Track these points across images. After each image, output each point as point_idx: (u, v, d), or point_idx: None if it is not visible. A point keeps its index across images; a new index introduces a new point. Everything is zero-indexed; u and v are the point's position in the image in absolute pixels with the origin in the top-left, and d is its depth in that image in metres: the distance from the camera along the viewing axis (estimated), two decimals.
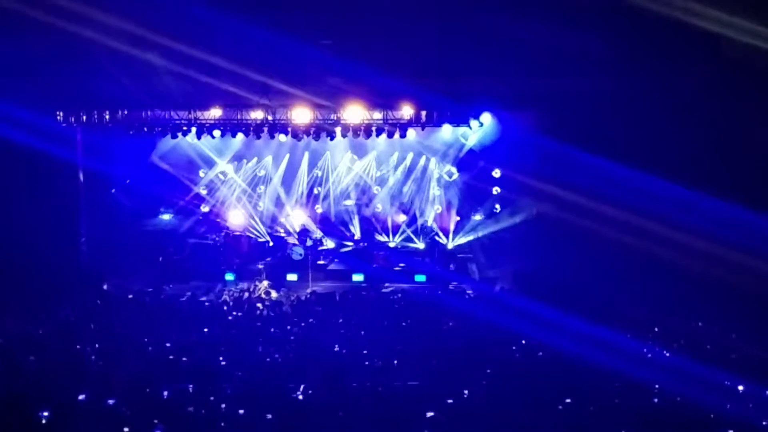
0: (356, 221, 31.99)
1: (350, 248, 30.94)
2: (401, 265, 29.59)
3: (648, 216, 22.35)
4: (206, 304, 23.51)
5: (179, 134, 28.18)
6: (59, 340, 18.76)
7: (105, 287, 25.89)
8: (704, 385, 14.82)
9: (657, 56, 22.63)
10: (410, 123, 27.22)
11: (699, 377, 15.24)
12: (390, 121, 27.19)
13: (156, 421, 12.91)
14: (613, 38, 22.05)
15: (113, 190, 29.92)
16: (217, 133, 27.99)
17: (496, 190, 29.31)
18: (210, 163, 31.75)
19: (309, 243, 30.22)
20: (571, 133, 23.60)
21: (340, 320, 21.07)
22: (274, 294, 25.60)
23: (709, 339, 19.25)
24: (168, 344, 18.39)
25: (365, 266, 29.08)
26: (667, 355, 18.19)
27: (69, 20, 21.94)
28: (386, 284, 27.60)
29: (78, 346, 18.16)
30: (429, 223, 31.34)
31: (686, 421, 13.45)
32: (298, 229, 31.23)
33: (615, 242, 23.01)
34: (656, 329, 20.28)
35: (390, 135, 27.43)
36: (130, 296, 24.72)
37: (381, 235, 31.53)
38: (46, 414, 13.16)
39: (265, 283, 27.05)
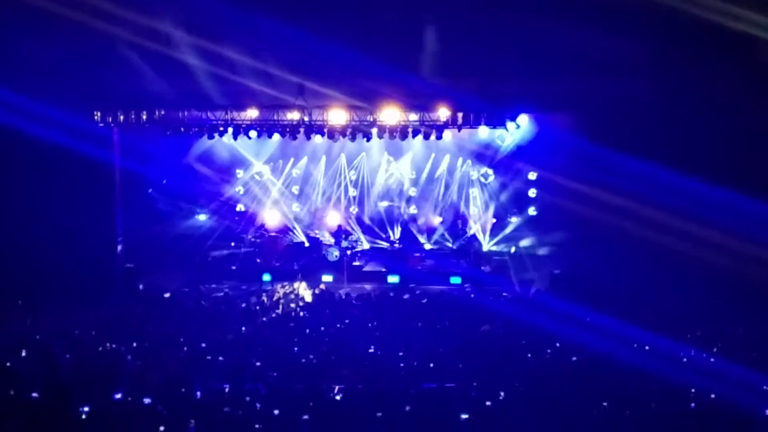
0: (391, 223, 31.96)
1: (386, 250, 30.92)
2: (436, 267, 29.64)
3: (686, 218, 22.21)
4: (242, 304, 23.50)
5: (216, 135, 28.28)
6: (95, 339, 18.86)
7: (141, 287, 25.97)
8: (742, 389, 14.69)
9: (693, 58, 22.48)
10: (446, 125, 27.14)
11: (737, 382, 15.11)
12: (426, 123, 27.17)
13: (192, 421, 12.93)
14: (649, 41, 21.95)
15: (150, 190, 30.08)
16: (253, 133, 28.04)
17: (532, 192, 29.24)
18: (246, 164, 31.86)
19: (344, 244, 30.23)
20: (607, 135, 23.54)
21: (375, 322, 21.03)
22: (309, 295, 25.57)
23: (749, 343, 19.09)
24: (204, 344, 18.44)
25: (401, 268, 29.04)
26: (705, 358, 18.02)
27: (106, 20, 22.07)
28: (421, 286, 27.51)
29: (114, 345, 18.24)
30: (464, 225, 31.26)
31: (723, 427, 13.33)
32: (333, 231, 31.25)
33: (652, 244, 22.90)
34: (694, 332, 20.14)
35: (426, 137, 27.41)
36: (167, 296, 24.80)
37: (416, 236, 31.50)
38: (86, 409, 13.23)
39: (301, 284, 27.04)
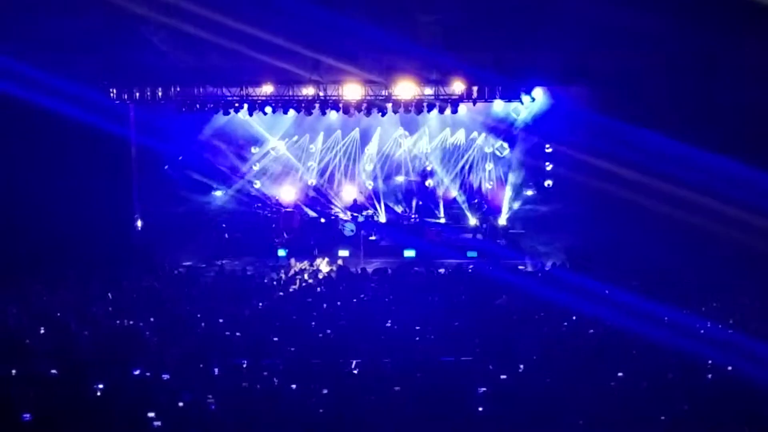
0: (407, 197, 31.98)
1: (402, 224, 30.92)
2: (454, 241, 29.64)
3: (701, 191, 22.14)
4: (258, 279, 23.55)
5: (231, 111, 28.23)
6: (113, 315, 18.94)
7: (158, 263, 26.04)
8: (760, 362, 14.68)
9: (710, 32, 22.32)
10: (462, 98, 27.03)
11: (754, 354, 15.10)
12: (441, 97, 27.04)
13: (210, 396, 13.02)
14: (665, 14, 21.78)
15: (166, 167, 30.13)
16: (268, 109, 27.95)
17: (548, 165, 29.22)
18: (262, 140, 31.88)
19: (360, 219, 30.25)
20: (623, 108, 23.45)
21: (392, 296, 21.05)
22: (326, 269, 25.59)
23: (766, 315, 19.05)
24: (221, 320, 18.50)
25: (417, 242, 29.01)
26: (722, 330, 17.99)
27: None
28: (438, 260, 27.52)
29: (132, 321, 18.32)
30: (480, 199, 31.27)
31: (740, 398, 13.34)
32: (349, 205, 31.28)
33: (667, 217, 22.84)
34: (710, 304, 20.12)
35: (441, 111, 27.35)
36: (183, 271, 24.89)
37: (432, 210, 31.52)
38: (101, 386, 13.31)
39: (318, 259, 27.07)
